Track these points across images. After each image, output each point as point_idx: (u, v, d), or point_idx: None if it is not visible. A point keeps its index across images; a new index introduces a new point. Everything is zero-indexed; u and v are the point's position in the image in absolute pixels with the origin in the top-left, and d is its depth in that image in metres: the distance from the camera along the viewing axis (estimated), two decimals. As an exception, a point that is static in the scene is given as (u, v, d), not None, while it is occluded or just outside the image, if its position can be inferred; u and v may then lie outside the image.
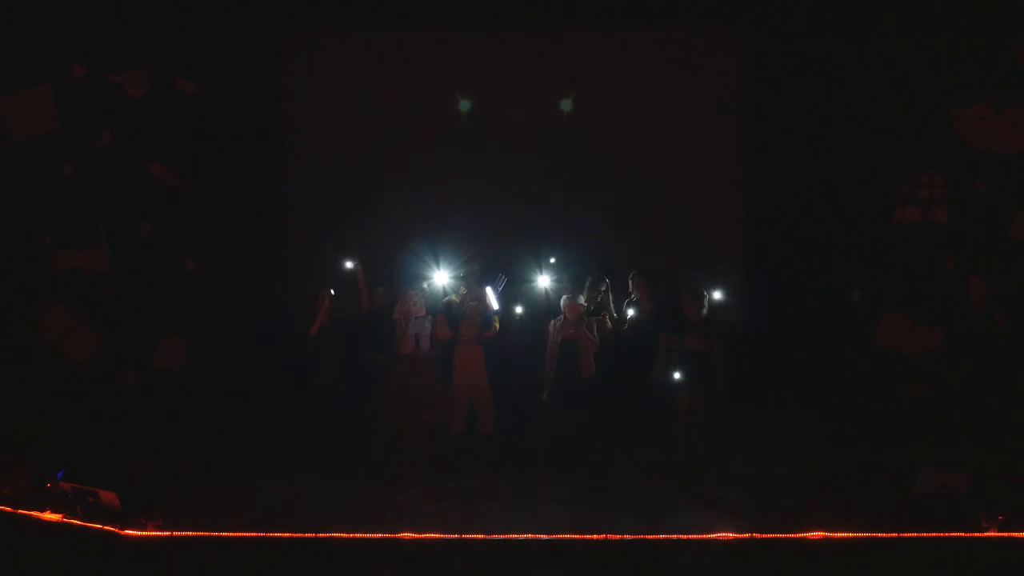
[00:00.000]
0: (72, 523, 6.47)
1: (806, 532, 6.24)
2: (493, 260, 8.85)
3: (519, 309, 8.33)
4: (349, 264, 8.32)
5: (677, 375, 7.98)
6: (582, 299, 8.19)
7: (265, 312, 9.82)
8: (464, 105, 10.10)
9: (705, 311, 8.15)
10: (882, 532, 6.26)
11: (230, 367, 9.41)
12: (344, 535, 6.27)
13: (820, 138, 9.50)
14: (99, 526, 6.38)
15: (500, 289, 8.21)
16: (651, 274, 8.81)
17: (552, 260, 8.86)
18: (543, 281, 8.52)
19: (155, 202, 9.36)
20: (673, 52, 10.19)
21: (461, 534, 6.28)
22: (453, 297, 8.30)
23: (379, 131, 10.17)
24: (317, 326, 8.30)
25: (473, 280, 8.37)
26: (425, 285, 8.22)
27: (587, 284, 8.53)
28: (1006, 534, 6.26)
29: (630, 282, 8.76)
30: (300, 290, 9.56)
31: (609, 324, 8.34)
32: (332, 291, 8.30)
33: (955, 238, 9.11)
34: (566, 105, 10.09)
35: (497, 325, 8.20)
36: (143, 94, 9.20)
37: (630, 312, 8.45)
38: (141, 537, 6.28)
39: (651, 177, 10.14)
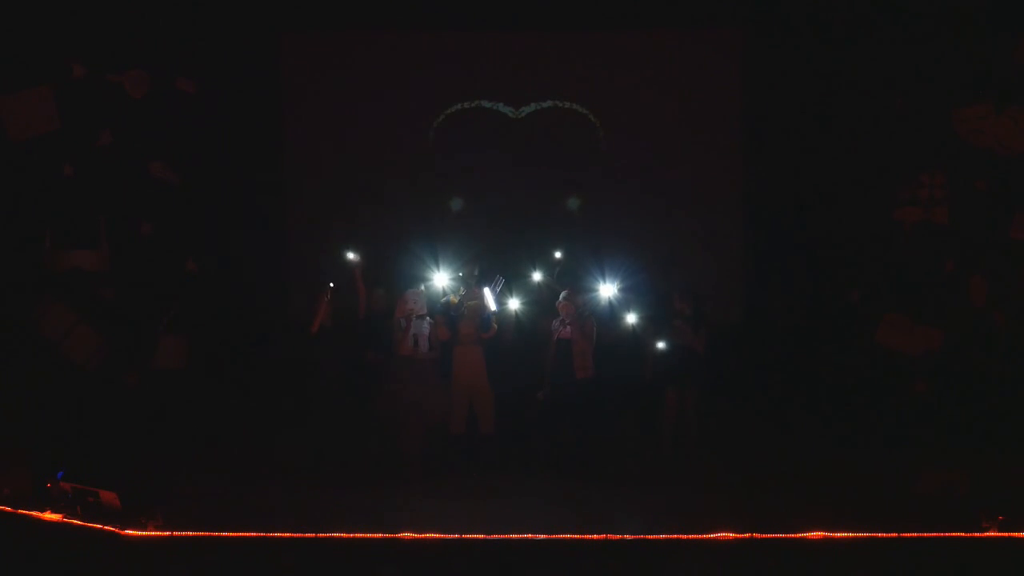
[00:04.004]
0: (72, 523, 6.46)
1: (806, 532, 6.24)
2: (492, 261, 8.86)
3: (514, 307, 8.33)
4: (351, 255, 8.32)
5: (661, 344, 8.13)
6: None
7: (265, 312, 9.82)
8: (456, 204, 10.11)
9: (694, 309, 8.26)
10: (882, 532, 6.25)
11: (230, 367, 9.41)
12: (344, 535, 6.26)
13: (820, 138, 9.50)
14: (99, 526, 6.37)
15: (498, 290, 8.21)
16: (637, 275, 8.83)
17: (558, 255, 8.90)
18: (541, 281, 8.54)
19: (155, 202, 9.36)
20: (673, 52, 10.19)
21: (461, 534, 6.27)
22: (452, 298, 8.30)
23: (380, 131, 10.17)
24: (318, 324, 8.29)
25: (471, 281, 8.38)
26: (422, 286, 8.22)
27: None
28: (1006, 534, 6.25)
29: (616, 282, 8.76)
30: (300, 290, 9.58)
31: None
32: (331, 284, 8.26)
33: (955, 238, 9.11)
34: (573, 204, 10.09)
35: (495, 325, 8.21)
36: (143, 94, 9.20)
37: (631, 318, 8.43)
38: (141, 537, 6.28)
39: (651, 176, 10.14)
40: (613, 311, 8.48)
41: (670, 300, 8.54)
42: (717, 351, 8.63)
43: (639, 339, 8.41)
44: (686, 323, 8.36)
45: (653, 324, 8.42)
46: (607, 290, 8.39)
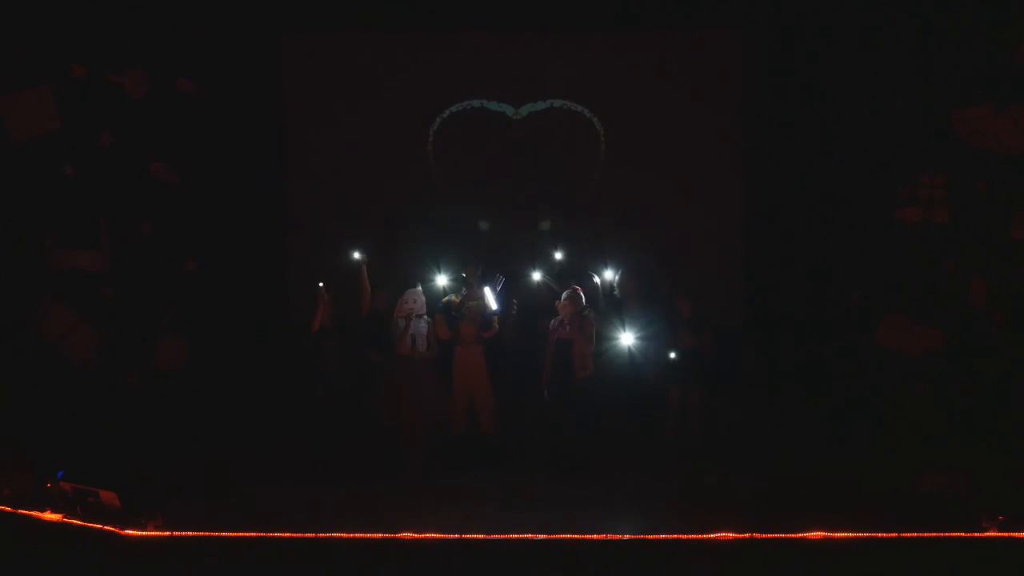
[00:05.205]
0: (72, 523, 6.46)
1: (806, 532, 6.24)
2: (493, 260, 8.87)
3: (514, 307, 8.35)
4: (357, 255, 8.32)
5: (672, 355, 8.18)
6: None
7: (265, 312, 9.82)
8: (483, 225, 10.12)
9: (695, 311, 8.30)
10: (882, 532, 6.26)
11: (230, 367, 9.41)
12: (344, 535, 6.26)
13: (820, 138, 9.50)
14: (99, 526, 6.37)
15: (498, 289, 8.22)
16: (639, 271, 8.83)
17: (559, 256, 8.93)
18: (541, 281, 8.55)
19: (155, 202, 9.36)
20: (673, 52, 10.18)
21: (461, 534, 6.27)
22: (453, 297, 8.31)
23: (380, 131, 10.17)
24: (318, 323, 8.30)
25: (473, 280, 8.38)
26: (419, 285, 8.23)
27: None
28: (1006, 534, 6.25)
29: (616, 280, 8.77)
30: (300, 290, 9.58)
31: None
32: (321, 284, 8.26)
33: (955, 238, 9.11)
34: (545, 225, 10.07)
35: (496, 325, 8.22)
36: (143, 94, 9.20)
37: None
38: (141, 537, 6.28)
39: (650, 176, 10.14)
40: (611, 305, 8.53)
41: (672, 302, 8.55)
42: (718, 351, 8.63)
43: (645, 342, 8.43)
44: (689, 325, 8.39)
45: (657, 328, 8.44)
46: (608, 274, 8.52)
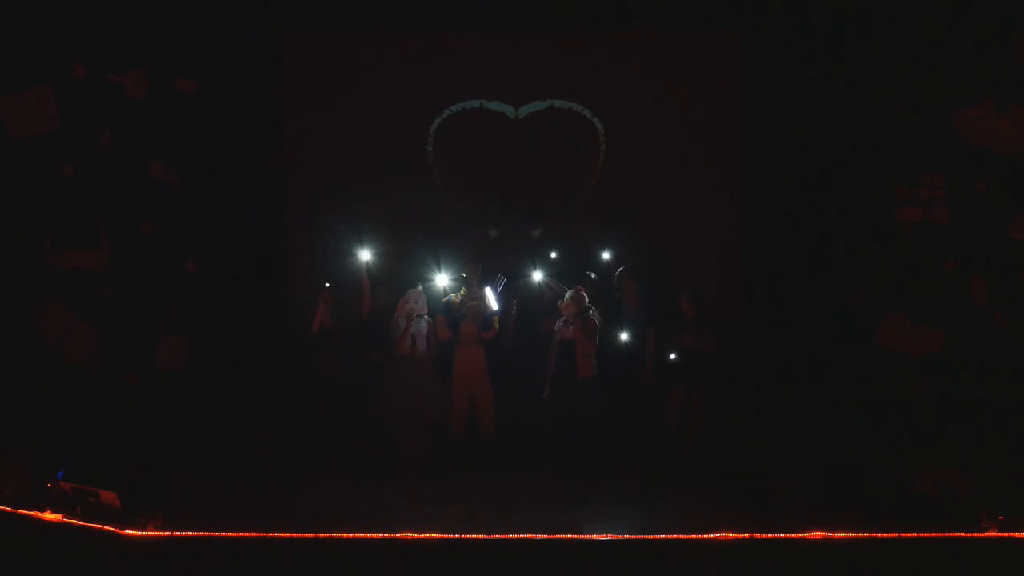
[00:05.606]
0: (72, 523, 6.46)
1: (806, 532, 6.24)
2: (493, 260, 8.87)
3: (514, 307, 8.35)
4: (362, 256, 8.33)
5: (673, 356, 8.20)
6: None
7: (265, 312, 9.82)
8: (493, 232, 10.11)
9: (698, 311, 8.29)
10: (882, 532, 6.26)
11: (230, 367, 9.41)
12: (344, 535, 6.27)
13: (820, 138, 9.50)
14: (99, 526, 6.37)
15: (499, 289, 8.22)
16: (637, 271, 8.83)
17: (553, 255, 8.93)
18: (542, 281, 8.56)
19: (155, 202, 9.36)
20: (673, 52, 10.19)
21: (461, 534, 6.28)
22: (453, 297, 8.32)
23: (380, 131, 10.17)
24: (317, 323, 8.30)
25: (473, 280, 8.38)
26: (420, 286, 8.24)
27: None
28: (1006, 534, 6.25)
29: (615, 279, 8.77)
30: (300, 290, 9.59)
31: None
32: (328, 285, 8.28)
33: (955, 238, 9.11)
34: (536, 234, 10.07)
35: (497, 325, 8.22)
36: (143, 94, 9.20)
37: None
38: (141, 537, 6.28)
39: (651, 176, 10.15)
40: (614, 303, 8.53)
41: (674, 302, 8.55)
42: (719, 351, 8.63)
43: (643, 342, 8.43)
44: (691, 325, 8.39)
45: (659, 328, 8.44)
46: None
